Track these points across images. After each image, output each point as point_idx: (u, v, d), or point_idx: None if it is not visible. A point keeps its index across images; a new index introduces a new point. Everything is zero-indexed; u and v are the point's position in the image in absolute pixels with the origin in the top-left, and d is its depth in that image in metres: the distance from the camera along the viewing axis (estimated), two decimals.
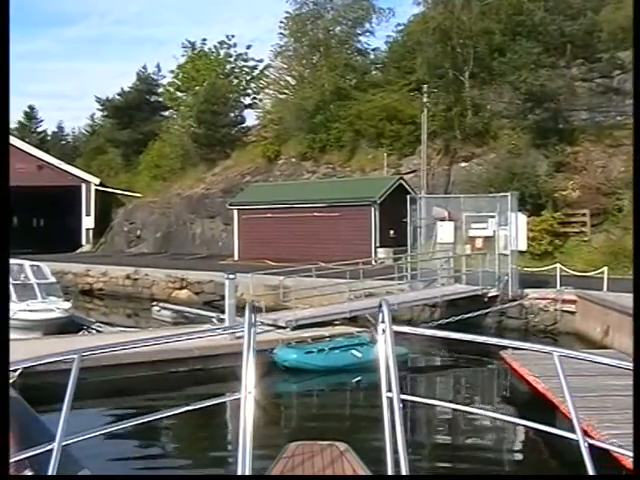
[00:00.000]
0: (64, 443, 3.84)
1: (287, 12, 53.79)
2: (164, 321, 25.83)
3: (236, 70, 62.37)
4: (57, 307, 21.51)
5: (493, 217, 25.08)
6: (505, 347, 14.98)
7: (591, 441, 3.84)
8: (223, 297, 21.50)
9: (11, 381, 13.01)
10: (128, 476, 10.81)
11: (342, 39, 52.80)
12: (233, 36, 62.42)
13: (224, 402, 4.53)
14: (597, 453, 3.87)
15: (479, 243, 25.58)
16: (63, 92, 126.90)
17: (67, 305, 22.01)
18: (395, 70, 49.05)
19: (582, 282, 24.47)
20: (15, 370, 13.22)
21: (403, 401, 4.00)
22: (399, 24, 52.97)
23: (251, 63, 62.04)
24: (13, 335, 17.55)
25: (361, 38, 53.88)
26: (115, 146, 63.38)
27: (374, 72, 54.03)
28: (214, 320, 21.59)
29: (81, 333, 20.05)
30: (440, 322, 23.14)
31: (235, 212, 42.66)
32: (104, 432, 4.38)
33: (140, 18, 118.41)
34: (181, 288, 32.90)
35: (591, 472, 3.70)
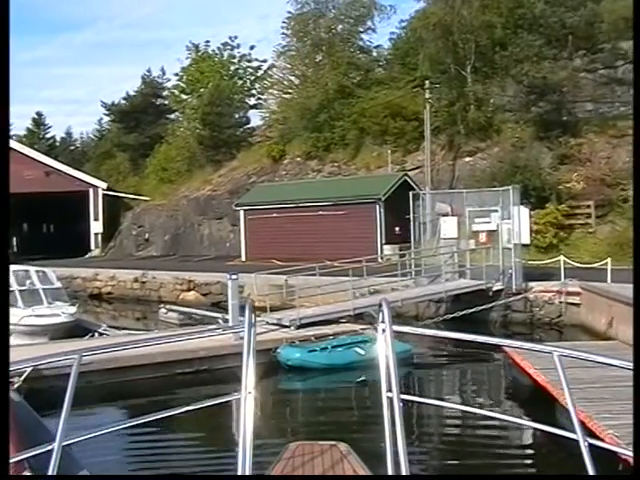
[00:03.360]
0: (64, 443, 3.86)
1: (289, 12, 53.97)
2: (171, 323, 25.98)
3: (240, 71, 62.39)
4: (63, 312, 21.63)
5: (496, 211, 25.10)
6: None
7: (591, 441, 3.84)
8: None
9: (16, 386, 13.17)
10: (128, 476, 10.91)
11: (344, 37, 52.74)
12: (236, 37, 62.58)
13: (224, 402, 4.57)
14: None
15: (483, 237, 25.60)
16: (73, 98, 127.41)
17: (73, 310, 22.14)
18: (400, 67, 48.99)
19: (587, 274, 24.47)
20: (20, 374, 13.37)
21: (403, 401, 4.01)
22: (402, 20, 52.96)
23: (255, 64, 62.02)
24: (20, 341, 17.79)
25: (363, 36, 53.87)
26: (122, 150, 63.54)
27: (378, 69, 53.95)
28: (220, 321, 21.70)
29: (87, 337, 20.16)
30: (445, 317, 23.28)
31: (241, 213, 42.80)
32: (104, 432, 4.39)
33: (148, 21, 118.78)
34: (189, 290, 33.06)
35: (591, 472, 3.72)
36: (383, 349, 4.29)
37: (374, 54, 54.71)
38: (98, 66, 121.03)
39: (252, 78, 62.35)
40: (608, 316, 20.87)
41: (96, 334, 21.35)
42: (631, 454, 3.83)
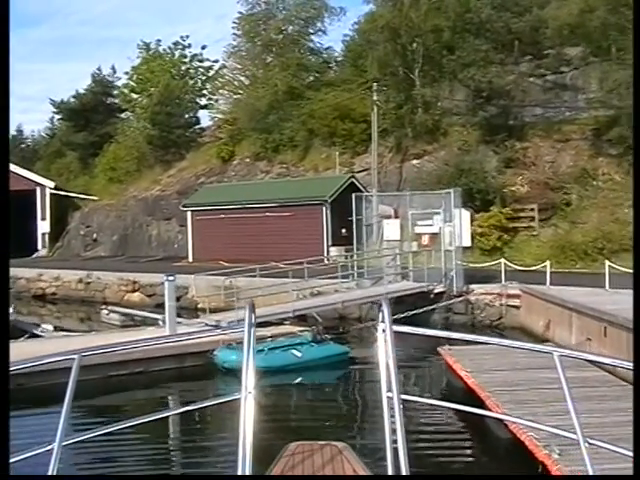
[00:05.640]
0: (64, 443, 3.85)
1: (240, 12, 53.82)
2: (113, 324, 25.75)
3: (191, 71, 62.05)
4: None
5: (439, 214, 25.28)
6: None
7: (591, 441, 3.84)
8: (175, 299, 21.56)
9: None
10: (128, 476, 10.86)
11: (294, 38, 52.77)
12: (188, 36, 62.15)
13: (224, 402, 4.54)
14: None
15: (425, 240, 25.80)
16: (26, 95, 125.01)
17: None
18: (352, 69, 49.08)
19: (529, 276, 24.73)
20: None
21: (403, 401, 4.00)
22: (356, 23, 53.01)
23: (206, 64, 61.75)
24: None
25: (314, 37, 54.01)
26: (72, 149, 62.70)
27: (330, 71, 54.11)
28: (160, 322, 21.50)
29: (22, 339, 19.83)
30: None
31: (189, 214, 42.55)
32: (104, 432, 4.40)
33: (106, 18, 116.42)
34: (133, 291, 32.82)
35: (591, 472, 3.73)
36: (383, 349, 4.27)
37: (324, 56, 54.78)
38: (53, 63, 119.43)
39: (203, 78, 62.03)
40: (545, 318, 21.17)
41: (33, 335, 21.07)
42: (631, 454, 3.80)
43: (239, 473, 3.98)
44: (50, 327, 24.24)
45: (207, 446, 12.56)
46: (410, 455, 3.80)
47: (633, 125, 21.70)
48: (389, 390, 4.06)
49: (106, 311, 27.23)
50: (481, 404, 12.18)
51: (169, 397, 17.30)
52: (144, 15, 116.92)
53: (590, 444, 3.84)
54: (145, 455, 11.99)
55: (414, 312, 22.77)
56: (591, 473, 3.75)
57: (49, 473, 3.74)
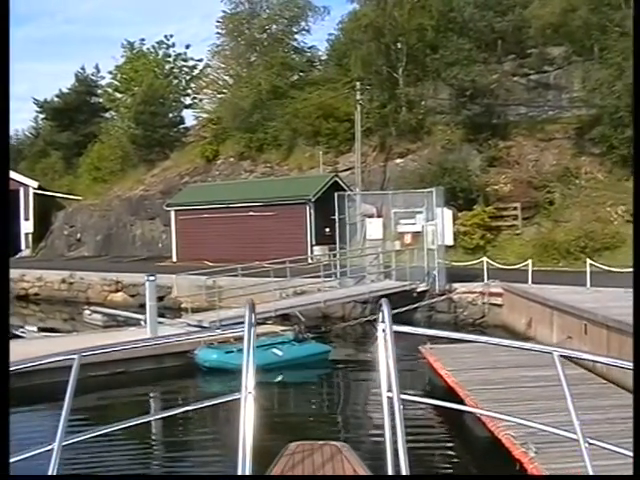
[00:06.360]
0: (64, 443, 3.84)
1: (224, 11, 53.75)
2: (95, 325, 25.63)
3: (175, 70, 61.99)
4: None
5: (421, 213, 25.31)
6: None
7: (591, 441, 3.83)
8: (158, 299, 21.47)
9: None
10: (128, 476, 10.83)
11: (278, 37, 52.78)
12: (172, 35, 62.28)
13: (224, 402, 4.51)
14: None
15: (408, 239, 25.81)
16: (13, 94, 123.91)
17: None
18: (337, 68, 49.13)
19: (511, 275, 24.82)
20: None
21: (403, 401, 3.98)
22: (340, 22, 52.94)
23: (191, 63, 61.74)
24: None
25: (298, 37, 54.02)
26: (56, 149, 62.45)
27: (315, 70, 54.12)
28: (142, 323, 21.40)
29: None
30: (369, 318, 23.29)
31: (172, 213, 42.41)
32: (104, 432, 4.37)
33: (92, 17, 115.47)
34: (116, 291, 32.68)
35: (591, 472, 3.71)
36: (383, 349, 4.25)
37: (308, 55, 54.81)
38: (40, 62, 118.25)
39: (187, 77, 61.98)
40: (527, 317, 21.22)
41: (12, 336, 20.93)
42: (631, 454, 3.79)
43: (239, 473, 3.97)
44: (34, 328, 24.15)
45: (207, 446, 12.56)
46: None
47: (633, 125, 21.78)
48: (389, 390, 4.05)
49: (88, 311, 27.09)
50: (460, 402, 12.19)
51: (151, 398, 17.23)
52: (131, 14, 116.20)
53: (590, 444, 3.84)
54: (145, 455, 12.02)
55: (397, 311, 22.66)
56: (591, 473, 3.74)
57: (49, 473, 3.74)
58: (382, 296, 23.64)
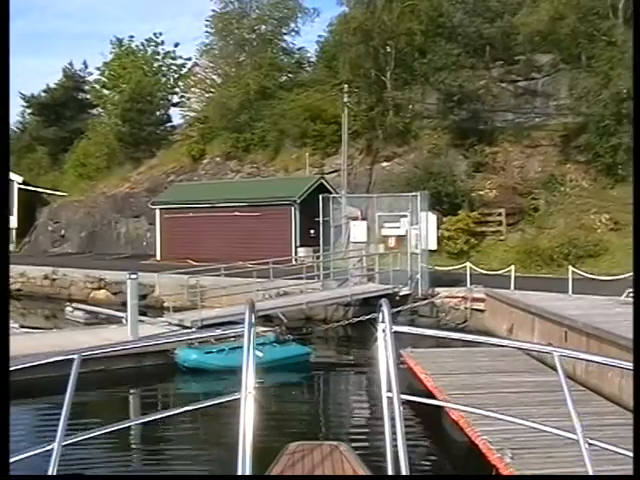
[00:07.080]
0: (64, 443, 3.82)
1: (213, 10, 53.71)
2: (77, 322, 25.53)
3: (164, 68, 61.85)
4: None
5: (405, 216, 25.34)
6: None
7: (591, 441, 3.82)
8: (141, 297, 21.36)
9: None
10: (128, 476, 10.80)
11: (267, 38, 52.82)
12: (161, 33, 61.96)
13: (224, 402, 4.48)
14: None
15: (392, 242, 25.85)
16: None
17: None
18: (326, 70, 49.08)
19: (494, 280, 24.84)
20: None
21: (403, 401, 3.96)
22: (330, 24, 52.90)
23: (179, 61, 61.63)
24: None
25: (287, 38, 54.07)
26: (42, 144, 62.24)
27: (304, 72, 54.10)
28: (123, 321, 21.32)
29: None
30: (351, 321, 23.32)
31: (157, 212, 42.33)
32: (104, 432, 4.32)
33: (84, 13, 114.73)
34: (99, 288, 32.51)
35: (591, 472, 3.70)
36: (383, 349, 4.23)
37: (297, 56, 54.79)
38: (29, 57, 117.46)
39: (176, 76, 61.85)
40: (509, 322, 21.22)
41: None
42: (631, 454, 3.78)
43: (239, 473, 3.95)
44: (15, 325, 23.97)
45: (207, 446, 12.53)
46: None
47: (633, 125, 21.89)
48: (389, 390, 4.03)
49: (70, 308, 26.98)
50: (440, 407, 12.21)
51: (130, 396, 17.15)
52: (122, 11, 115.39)
53: (590, 444, 3.82)
54: (145, 455, 11.99)
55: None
56: (591, 473, 3.73)
57: (49, 473, 3.73)
58: (365, 299, 23.89)
